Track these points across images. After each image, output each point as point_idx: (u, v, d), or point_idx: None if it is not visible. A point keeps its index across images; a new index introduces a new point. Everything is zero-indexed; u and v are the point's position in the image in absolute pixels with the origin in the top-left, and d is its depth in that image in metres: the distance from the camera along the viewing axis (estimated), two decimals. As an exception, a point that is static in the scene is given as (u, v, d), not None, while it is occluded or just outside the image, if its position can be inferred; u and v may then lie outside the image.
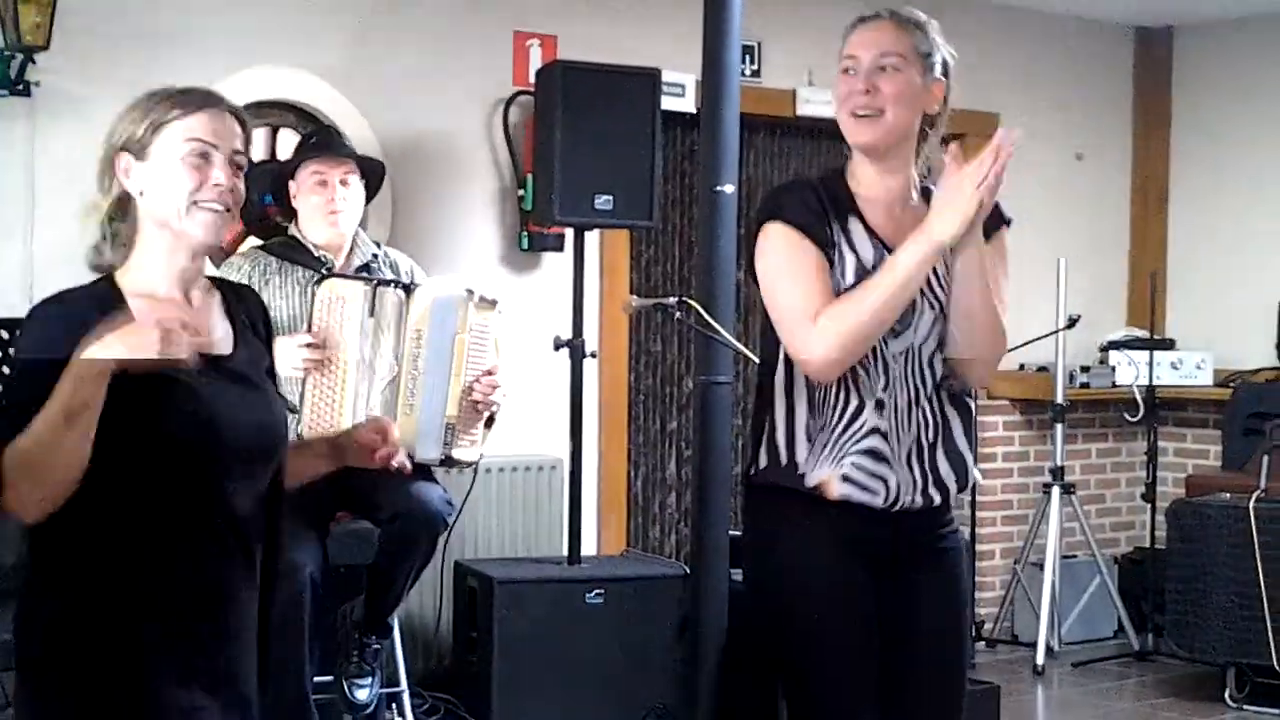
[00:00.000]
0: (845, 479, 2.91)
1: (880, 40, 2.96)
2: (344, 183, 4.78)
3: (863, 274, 2.90)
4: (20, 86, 4.95)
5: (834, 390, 2.92)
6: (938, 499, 2.98)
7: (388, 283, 4.61)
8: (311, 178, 4.76)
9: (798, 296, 2.88)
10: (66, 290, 2.43)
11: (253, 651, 2.51)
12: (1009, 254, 3.10)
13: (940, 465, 2.97)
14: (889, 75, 2.94)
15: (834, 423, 2.92)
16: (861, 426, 2.92)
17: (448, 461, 4.64)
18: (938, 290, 2.96)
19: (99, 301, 2.37)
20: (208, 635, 2.43)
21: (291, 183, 4.83)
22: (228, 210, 2.48)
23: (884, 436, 2.92)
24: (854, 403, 2.92)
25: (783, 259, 2.92)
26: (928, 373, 2.96)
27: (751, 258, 2.99)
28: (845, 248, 2.92)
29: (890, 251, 2.89)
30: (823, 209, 2.94)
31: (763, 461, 2.99)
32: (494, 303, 4.68)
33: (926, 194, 3.01)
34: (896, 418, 2.93)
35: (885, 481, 2.92)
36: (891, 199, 2.95)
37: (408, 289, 4.59)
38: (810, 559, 2.94)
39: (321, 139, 4.98)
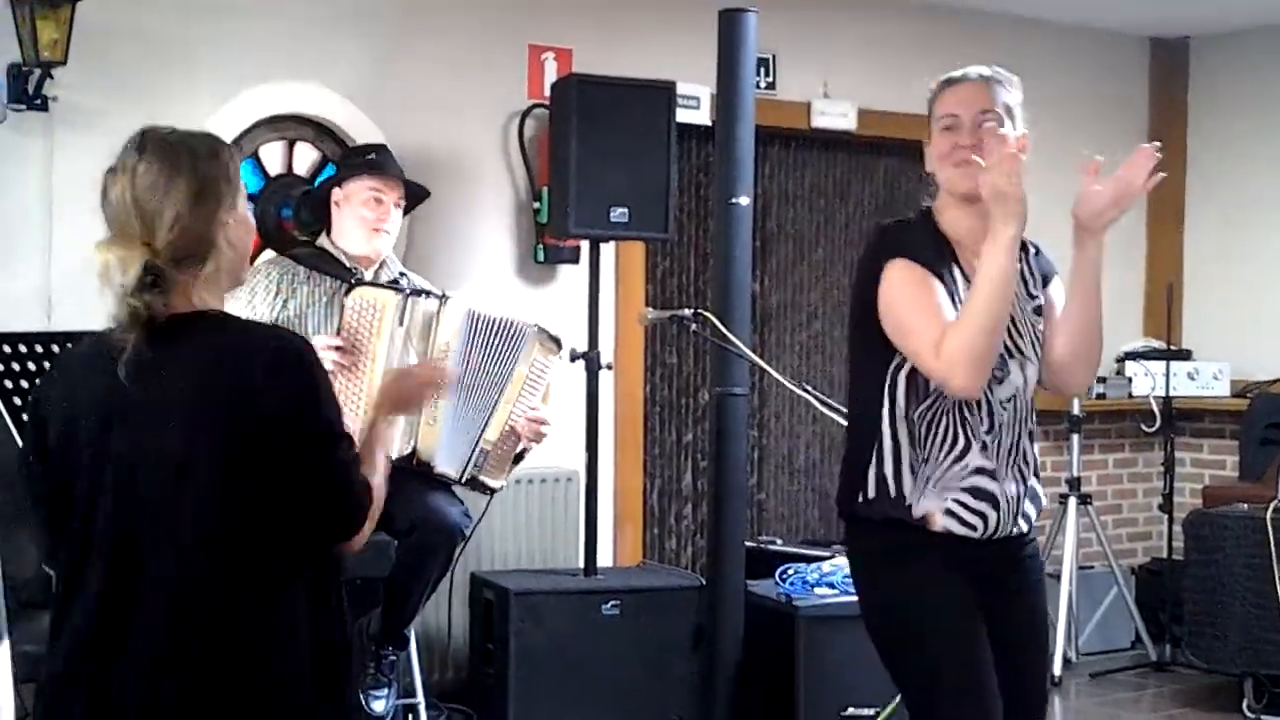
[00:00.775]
0: (948, 513, 3.13)
1: (980, 99, 3.20)
2: (397, 205, 4.84)
3: None
4: (38, 101, 4.98)
5: (940, 428, 3.14)
6: (1026, 528, 3.25)
7: (419, 293, 4.63)
8: (367, 192, 4.79)
9: (929, 329, 3.07)
10: (299, 334, 2.61)
11: None
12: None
13: (1025, 498, 3.23)
14: (990, 131, 3.16)
15: (940, 458, 3.14)
16: (967, 466, 3.14)
17: (474, 484, 4.67)
18: (1018, 340, 3.20)
19: None
20: None
21: (337, 190, 4.85)
22: None
23: (990, 475, 3.16)
24: (960, 443, 3.14)
25: (911, 293, 3.11)
26: (1028, 416, 3.24)
27: (869, 296, 3.15)
28: (955, 288, 3.15)
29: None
30: (937, 251, 3.17)
31: (871, 492, 3.17)
32: (559, 345, 4.76)
33: None
34: (999, 458, 3.17)
35: (985, 517, 3.15)
36: (976, 241, 3.13)
37: (441, 300, 4.61)
38: (926, 581, 3.16)
39: (382, 158, 4.98)
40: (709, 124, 5.92)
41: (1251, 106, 7.48)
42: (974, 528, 3.13)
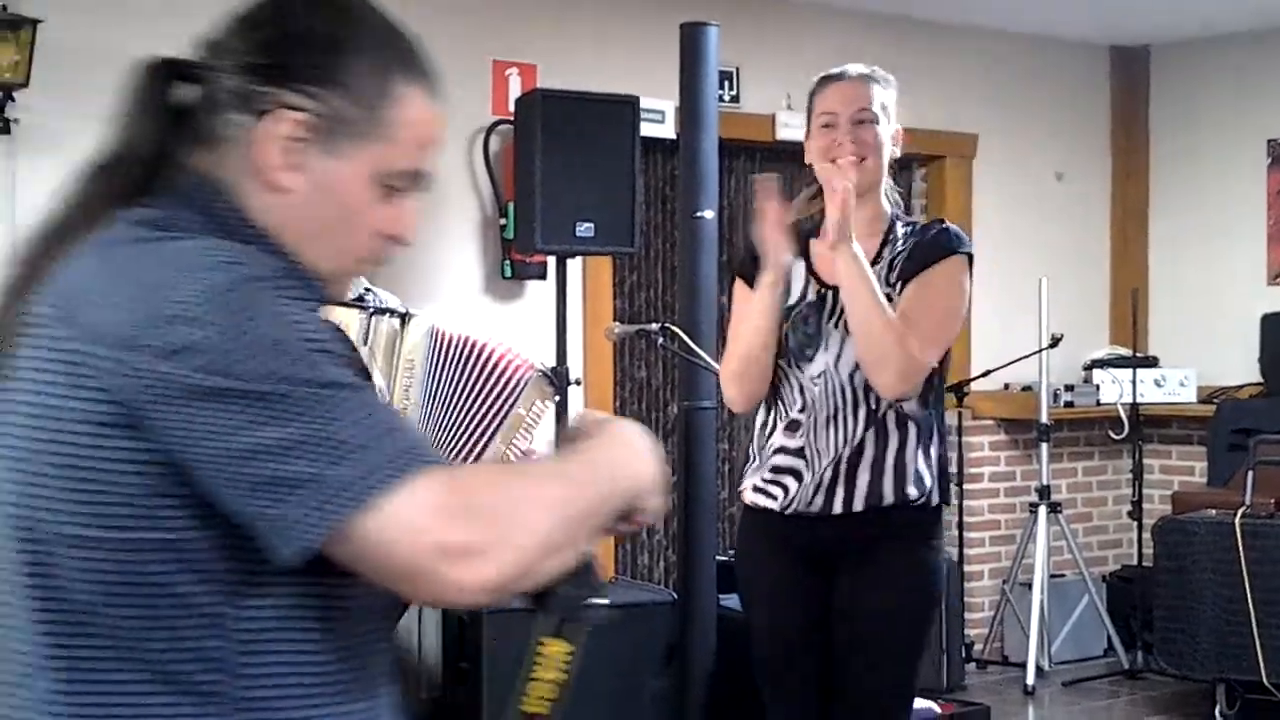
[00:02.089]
0: (755, 488, 3.39)
1: (857, 97, 3.33)
2: None
3: (791, 308, 3.35)
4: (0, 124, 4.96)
5: (764, 412, 3.41)
6: (851, 507, 3.29)
7: (383, 311, 4.59)
8: None
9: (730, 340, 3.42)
10: None
11: None
12: (963, 284, 3.34)
13: (859, 478, 3.28)
14: (867, 128, 3.32)
15: (762, 440, 3.41)
16: (773, 444, 3.37)
17: None
18: (837, 318, 3.33)
19: None
20: None
21: None
22: None
23: (794, 453, 3.33)
24: (771, 422, 3.39)
25: (734, 305, 3.46)
26: (848, 391, 3.29)
27: None
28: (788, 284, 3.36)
29: (824, 286, 3.34)
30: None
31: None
32: (556, 390, 4.68)
33: (890, 227, 3.41)
34: (814, 434, 3.31)
35: (785, 489, 3.33)
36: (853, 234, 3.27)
37: (403, 318, 4.57)
38: (743, 558, 3.50)
39: None
40: (674, 137, 5.92)
41: (1213, 113, 7.52)
42: (773, 498, 3.33)
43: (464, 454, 4.55)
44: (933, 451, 3.32)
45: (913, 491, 3.28)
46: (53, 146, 4.99)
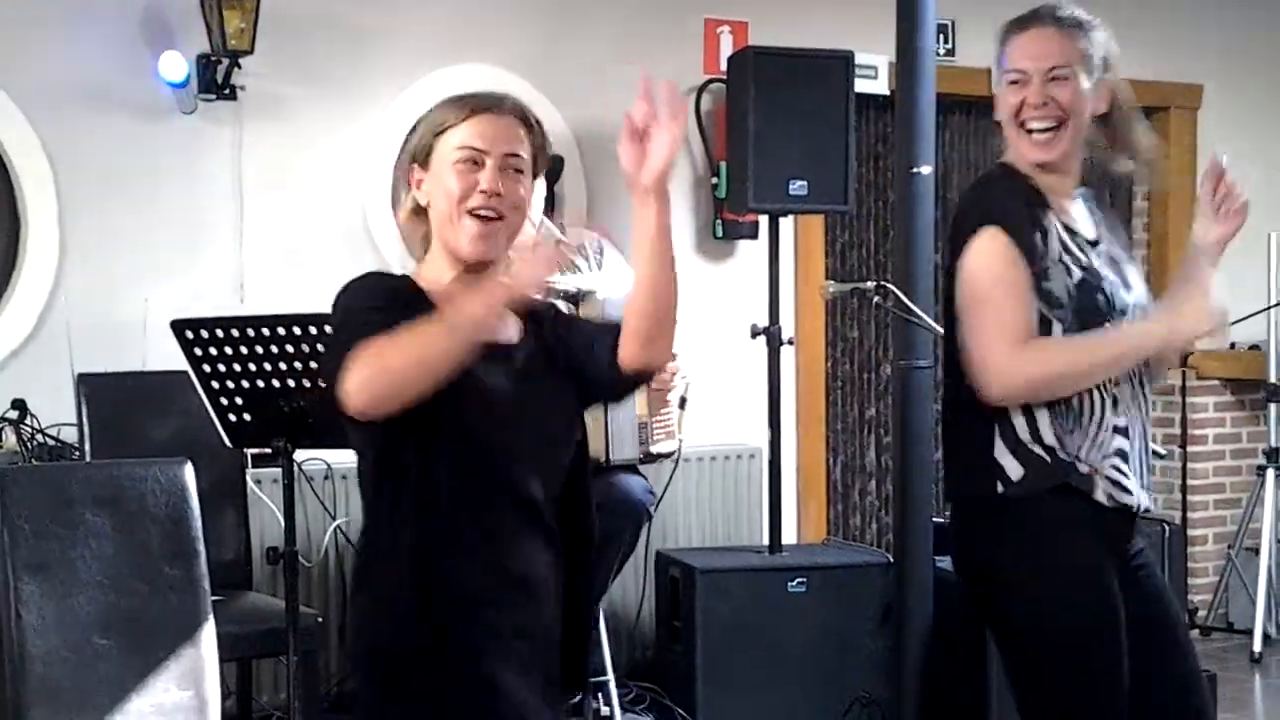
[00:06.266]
0: (1114, 481, 2.80)
1: (1049, 51, 2.87)
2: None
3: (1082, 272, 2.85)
4: (227, 90, 5.09)
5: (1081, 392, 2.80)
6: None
7: (558, 294, 4.55)
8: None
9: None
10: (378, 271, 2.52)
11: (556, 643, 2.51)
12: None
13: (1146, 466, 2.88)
14: (1060, 85, 2.87)
15: (1086, 425, 2.80)
16: (1109, 428, 2.80)
17: (649, 458, 4.62)
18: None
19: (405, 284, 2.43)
20: (523, 622, 2.42)
21: None
22: (499, 218, 2.43)
23: (1123, 433, 2.82)
24: (1100, 402, 2.81)
25: (1008, 280, 2.81)
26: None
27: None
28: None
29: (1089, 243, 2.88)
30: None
31: (1015, 474, 2.80)
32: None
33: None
34: (1130, 416, 2.84)
35: (1130, 482, 2.83)
36: (1064, 199, 2.95)
37: (575, 301, 4.52)
38: (1095, 564, 2.81)
39: None
40: (887, 93, 5.85)
41: None
42: (1130, 493, 2.83)
43: (632, 405, 4.45)
44: None
45: None
46: (277, 111, 5.11)
